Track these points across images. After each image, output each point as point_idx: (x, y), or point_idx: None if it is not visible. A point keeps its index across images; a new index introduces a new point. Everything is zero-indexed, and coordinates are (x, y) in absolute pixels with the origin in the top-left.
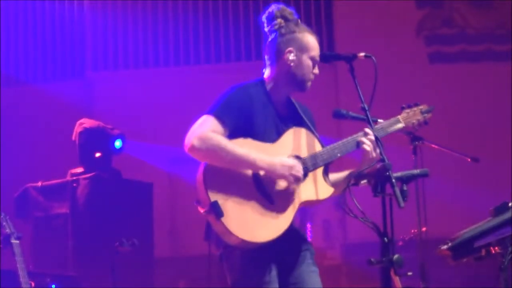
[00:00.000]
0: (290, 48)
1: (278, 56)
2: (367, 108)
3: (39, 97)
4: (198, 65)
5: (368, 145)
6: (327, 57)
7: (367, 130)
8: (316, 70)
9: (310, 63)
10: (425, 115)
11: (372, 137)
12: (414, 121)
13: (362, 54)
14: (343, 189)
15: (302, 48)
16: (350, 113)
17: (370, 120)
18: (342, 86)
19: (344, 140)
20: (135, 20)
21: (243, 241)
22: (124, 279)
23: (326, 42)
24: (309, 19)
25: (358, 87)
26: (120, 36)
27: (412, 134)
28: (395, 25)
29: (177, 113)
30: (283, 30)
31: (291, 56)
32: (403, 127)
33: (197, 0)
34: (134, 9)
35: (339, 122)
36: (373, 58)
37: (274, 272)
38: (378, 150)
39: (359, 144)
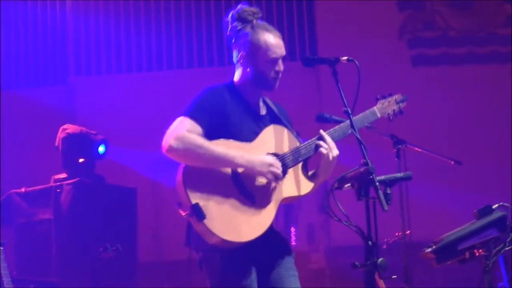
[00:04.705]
0: (243, 53)
1: (239, 58)
2: (350, 112)
3: (21, 103)
4: (181, 70)
5: (325, 148)
6: (310, 61)
7: (322, 132)
8: (280, 67)
9: (269, 62)
10: (400, 104)
11: (328, 139)
12: (390, 111)
13: (345, 58)
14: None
15: (258, 49)
16: (333, 117)
17: (354, 124)
18: (325, 90)
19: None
20: (117, 25)
21: (225, 241)
22: (108, 284)
23: (308, 44)
24: (292, 22)
25: (341, 91)
26: (102, 41)
27: (395, 138)
28: (377, 28)
29: (160, 118)
30: (239, 33)
31: (247, 58)
32: (379, 117)
33: (180, 5)
34: (116, 14)
35: (322, 126)
36: (356, 62)
37: (253, 275)
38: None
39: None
